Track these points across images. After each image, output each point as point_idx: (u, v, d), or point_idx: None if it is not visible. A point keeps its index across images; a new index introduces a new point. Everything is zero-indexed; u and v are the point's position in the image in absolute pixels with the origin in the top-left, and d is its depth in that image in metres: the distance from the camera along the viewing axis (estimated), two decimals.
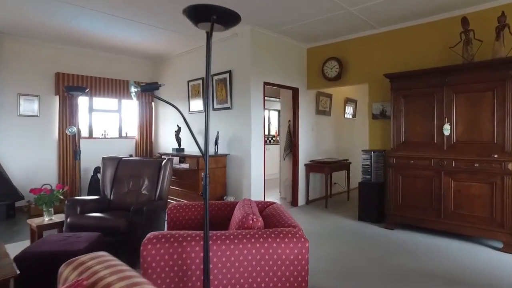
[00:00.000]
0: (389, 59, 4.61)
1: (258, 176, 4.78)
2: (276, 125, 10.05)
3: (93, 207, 3.36)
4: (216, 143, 4.97)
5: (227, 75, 4.96)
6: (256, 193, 4.74)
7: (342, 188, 6.46)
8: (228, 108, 5.00)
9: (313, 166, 5.52)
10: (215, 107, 5.23)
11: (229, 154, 4.97)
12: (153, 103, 6.84)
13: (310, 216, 4.81)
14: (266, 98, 8.99)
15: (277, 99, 8.41)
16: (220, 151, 5.09)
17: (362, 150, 4.66)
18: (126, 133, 6.57)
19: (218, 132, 5.00)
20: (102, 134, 6.27)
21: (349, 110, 6.99)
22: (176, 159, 5.10)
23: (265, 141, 4.96)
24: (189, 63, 5.84)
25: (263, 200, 4.78)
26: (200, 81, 5.49)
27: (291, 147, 5.61)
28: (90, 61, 5.98)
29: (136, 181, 3.66)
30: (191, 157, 4.73)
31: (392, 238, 3.80)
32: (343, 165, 5.79)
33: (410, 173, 3.95)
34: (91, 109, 6.12)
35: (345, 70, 5.13)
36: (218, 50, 5.17)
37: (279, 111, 8.52)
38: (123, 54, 6.29)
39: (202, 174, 1.50)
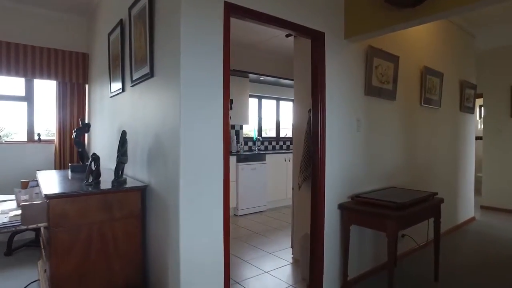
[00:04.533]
0: None
1: (205, 252, 1.81)
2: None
3: None
4: (120, 159, 2.10)
5: (145, 1, 2.08)
6: None
7: (416, 244, 3.26)
8: (147, 76, 2.11)
9: (359, 213, 2.41)
10: (134, 78, 2.39)
11: (148, 185, 2.08)
12: (86, 85, 4.19)
13: None
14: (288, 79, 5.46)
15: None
16: (130, 174, 2.23)
17: None
18: (39, 135, 3.98)
19: (123, 133, 2.12)
20: None
21: (429, 91, 3.70)
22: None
23: (230, 152, 1.97)
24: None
25: None
26: (119, 29, 2.68)
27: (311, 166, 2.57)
28: None
29: None
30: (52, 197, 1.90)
31: None
32: (429, 208, 2.58)
33: None
34: None
35: None
36: None
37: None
38: (30, 3, 3.71)
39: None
